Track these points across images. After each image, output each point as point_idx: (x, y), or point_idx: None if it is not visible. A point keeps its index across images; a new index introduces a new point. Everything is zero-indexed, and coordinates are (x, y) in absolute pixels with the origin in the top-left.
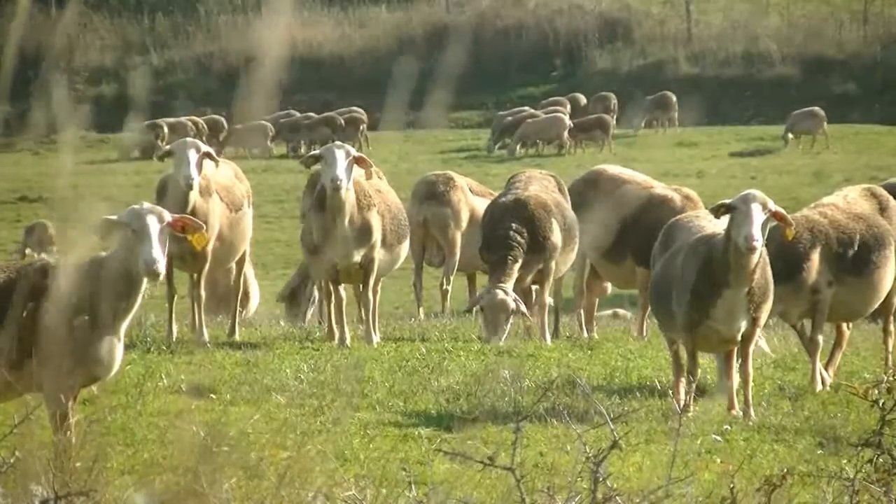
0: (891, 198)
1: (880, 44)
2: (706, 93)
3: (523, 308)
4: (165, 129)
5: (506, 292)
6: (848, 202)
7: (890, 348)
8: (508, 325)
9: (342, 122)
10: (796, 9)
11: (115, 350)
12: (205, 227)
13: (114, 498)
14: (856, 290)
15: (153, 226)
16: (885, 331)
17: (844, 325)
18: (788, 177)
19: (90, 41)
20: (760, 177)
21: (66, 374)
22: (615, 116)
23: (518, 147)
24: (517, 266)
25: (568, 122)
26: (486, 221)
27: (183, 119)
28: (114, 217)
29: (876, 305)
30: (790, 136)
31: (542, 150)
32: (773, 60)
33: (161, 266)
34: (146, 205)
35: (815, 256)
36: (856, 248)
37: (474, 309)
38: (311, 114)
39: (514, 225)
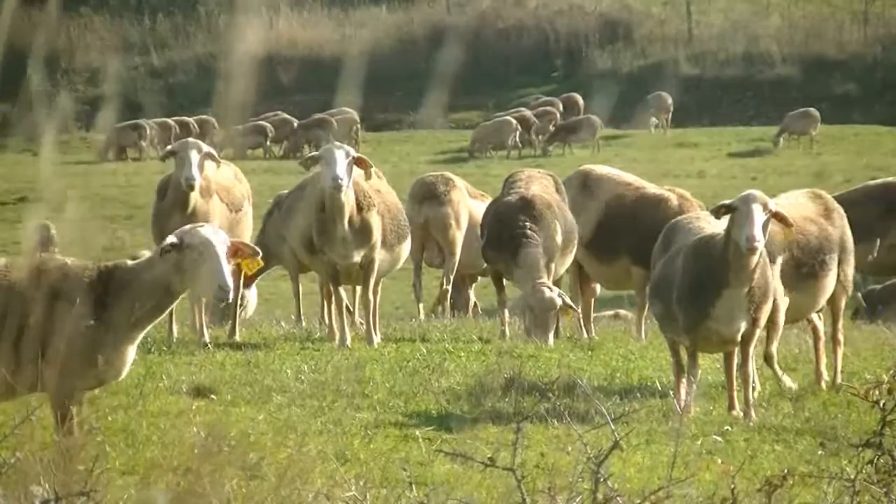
0: (834, 202)
1: (881, 44)
2: (706, 93)
3: (568, 301)
4: (148, 130)
5: (550, 289)
6: (797, 206)
7: (839, 355)
8: (557, 322)
9: (335, 123)
10: (797, 9)
11: (127, 356)
12: (259, 254)
13: (115, 499)
14: (810, 294)
15: (221, 248)
16: (834, 339)
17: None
18: (789, 177)
19: (90, 41)
20: (761, 177)
21: (73, 377)
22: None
23: (478, 148)
24: (545, 262)
25: (516, 126)
26: (492, 221)
27: (169, 120)
28: (174, 239)
29: (820, 307)
30: (781, 139)
31: (535, 149)
32: (774, 61)
33: (233, 291)
34: (206, 226)
35: (779, 262)
36: (812, 251)
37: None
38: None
39: (528, 223)
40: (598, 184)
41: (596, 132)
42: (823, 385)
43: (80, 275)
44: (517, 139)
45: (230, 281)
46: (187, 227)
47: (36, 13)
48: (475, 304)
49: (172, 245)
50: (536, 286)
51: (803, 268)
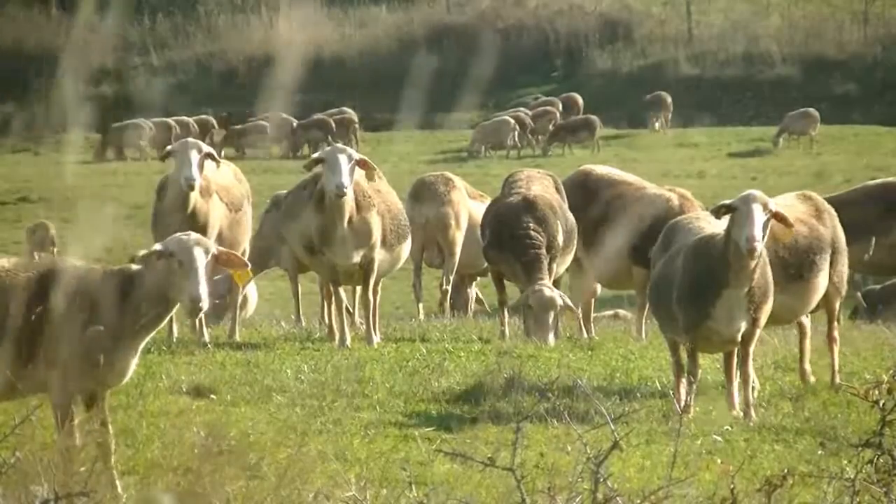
0: (825, 203)
1: (881, 44)
2: (706, 93)
3: (569, 302)
4: (148, 130)
5: (550, 289)
6: (787, 207)
7: (836, 355)
8: (557, 322)
9: (333, 123)
10: (797, 9)
11: (130, 360)
12: (249, 266)
13: (114, 498)
14: (800, 295)
15: (200, 260)
16: (830, 339)
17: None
18: (789, 178)
19: (90, 41)
20: (761, 177)
21: (74, 379)
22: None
23: (477, 148)
24: (547, 262)
25: (514, 126)
26: (494, 222)
27: (169, 120)
28: (159, 247)
29: (812, 307)
30: (781, 139)
31: (535, 149)
32: (774, 61)
33: (206, 304)
34: (193, 235)
35: None
36: (800, 251)
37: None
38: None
39: (531, 224)
40: (598, 184)
41: (596, 132)
42: (811, 381)
43: (87, 277)
44: (516, 139)
45: (204, 294)
46: (176, 234)
47: (36, 13)
48: (478, 298)
49: (160, 254)
50: (536, 286)
51: (790, 268)
